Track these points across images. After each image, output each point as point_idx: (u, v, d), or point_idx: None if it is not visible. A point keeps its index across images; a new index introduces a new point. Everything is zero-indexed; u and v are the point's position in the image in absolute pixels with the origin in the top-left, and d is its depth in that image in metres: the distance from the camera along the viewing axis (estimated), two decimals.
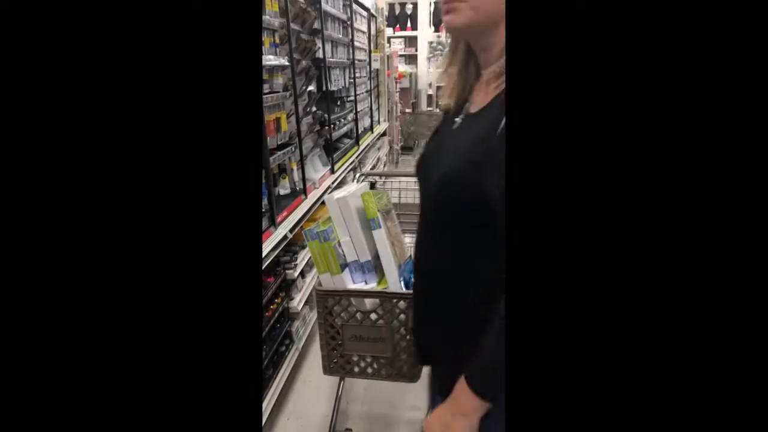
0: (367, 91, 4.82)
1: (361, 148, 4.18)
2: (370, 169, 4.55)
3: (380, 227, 1.15)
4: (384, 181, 2.19)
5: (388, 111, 5.92)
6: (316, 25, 2.87)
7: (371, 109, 5.02)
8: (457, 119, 0.82)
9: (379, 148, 5.20)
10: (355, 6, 4.07)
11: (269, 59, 2.03)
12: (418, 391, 1.97)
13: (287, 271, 2.30)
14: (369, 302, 1.28)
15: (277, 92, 2.15)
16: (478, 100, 0.78)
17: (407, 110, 6.53)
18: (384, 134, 5.59)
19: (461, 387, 0.74)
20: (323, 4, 2.99)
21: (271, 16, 2.09)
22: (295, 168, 2.53)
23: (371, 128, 4.91)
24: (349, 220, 1.18)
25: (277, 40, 2.21)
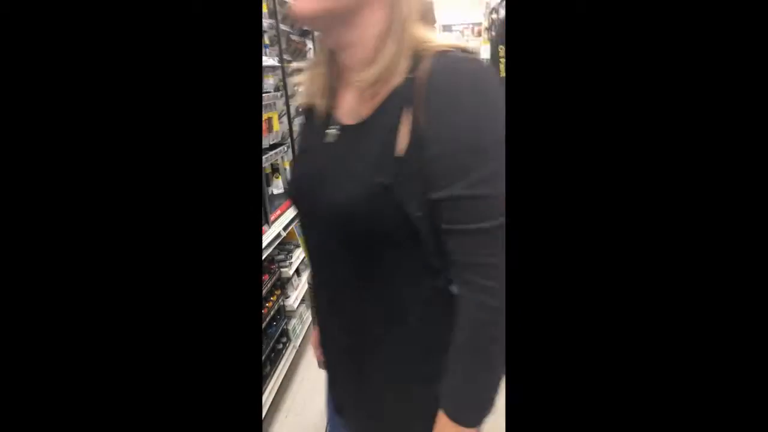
0: None
1: None
2: None
3: None
4: None
5: None
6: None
7: None
8: (329, 131, 0.68)
9: None
10: None
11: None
12: None
13: (282, 270, 2.32)
14: None
15: (269, 92, 2.18)
16: (351, 110, 0.66)
17: None
18: None
19: (443, 424, 0.65)
20: None
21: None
22: (288, 167, 2.56)
23: None
24: None
25: (267, 42, 2.24)
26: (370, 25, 0.60)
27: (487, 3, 5.29)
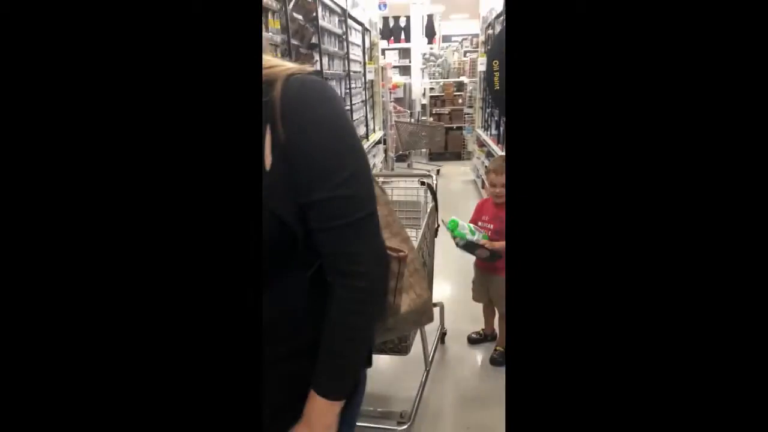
0: (362, 101, 5.05)
1: None
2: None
3: None
4: (382, 182, 2.39)
5: (383, 120, 6.15)
6: (314, 40, 3.10)
7: (366, 118, 5.25)
8: None
9: (374, 155, 5.41)
10: (350, 21, 4.31)
11: None
12: (414, 364, 2.15)
13: None
14: None
15: None
16: None
17: (402, 119, 6.75)
18: (380, 142, 5.80)
19: (314, 402, 0.70)
20: (320, 21, 3.22)
21: (273, 33, 2.31)
22: None
23: (366, 136, 5.14)
24: None
25: (279, 55, 2.43)
26: None
27: (483, 18, 5.51)
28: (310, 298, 0.71)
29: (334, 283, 0.68)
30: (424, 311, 0.83)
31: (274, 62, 0.64)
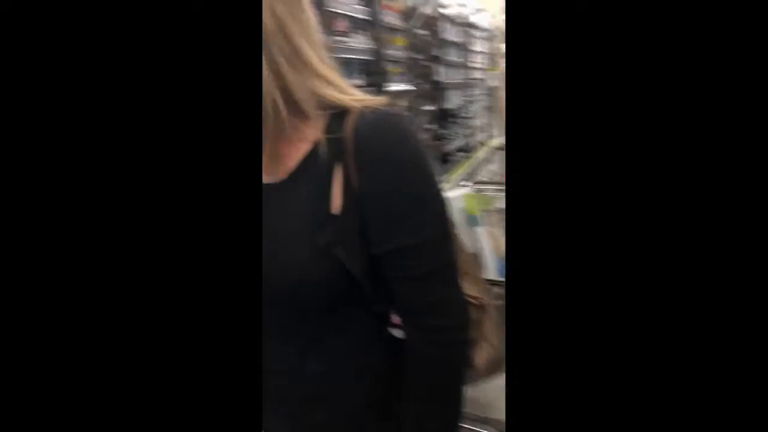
0: (484, 108, 5.08)
1: (475, 160, 4.45)
2: (484, 180, 4.75)
3: (481, 225, 1.44)
4: (495, 189, 2.44)
5: (504, 127, 6.07)
6: (435, 51, 3.24)
7: (485, 125, 5.26)
8: (272, 183, 0.64)
9: (492, 162, 5.39)
10: (472, 30, 4.39)
11: (397, 86, 2.42)
12: None
13: None
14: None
15: None
16: (285, 159, 0.63)
17: None
18: (500, 148, 5.74)
19: None
20: (442, 33, 3.35)
21: (396, 50, 2.50)
22: None
23: (484, 143, 5.15)
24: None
25: (402, 70, 2.61)
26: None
27: None
28: (368, 356, 0.66)
29: (411, 340, 0.63)
30: (499, 363, 0.76)
31: (347, 91, 0.59)
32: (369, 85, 2.57)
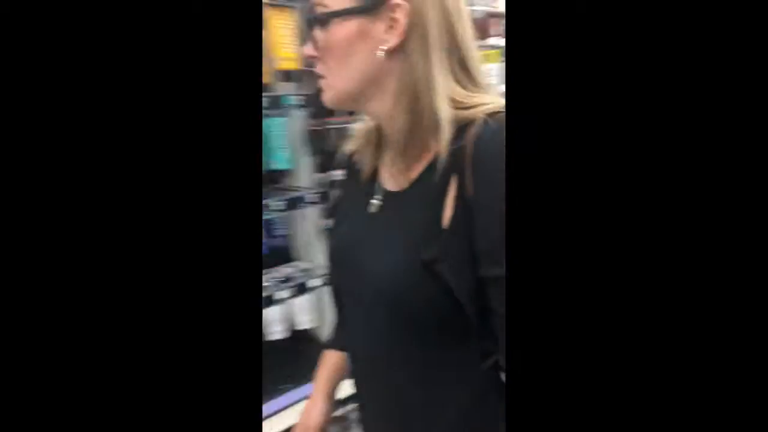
0: None
1: None
2: None
3: None
4: None
5: None
6: None
7: None
8: (374, 200, 0.64)
9: None
10: None
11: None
12: None
13: None
14: None
15: None
16: (397, 175, 0.62)
17: None
18: None
19: None
20: None
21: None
22: None
23: None
24: None
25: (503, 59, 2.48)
26: (390, 93, 0.58)
27: None
28: (472, 397, 0.60)
29: None
30: None
31: (473, 101, 0.55)
32: None
